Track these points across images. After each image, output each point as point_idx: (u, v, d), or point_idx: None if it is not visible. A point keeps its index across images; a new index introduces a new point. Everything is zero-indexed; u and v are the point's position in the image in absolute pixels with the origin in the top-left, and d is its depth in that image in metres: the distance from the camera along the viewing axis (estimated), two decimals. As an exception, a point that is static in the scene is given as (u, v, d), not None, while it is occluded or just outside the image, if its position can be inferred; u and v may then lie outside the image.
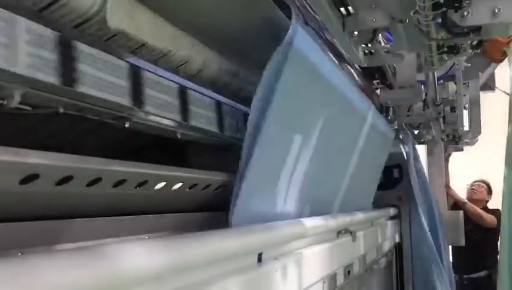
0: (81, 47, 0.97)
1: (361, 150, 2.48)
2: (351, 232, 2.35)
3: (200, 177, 1.37)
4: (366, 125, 2.46)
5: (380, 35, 2.06)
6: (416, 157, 3.71)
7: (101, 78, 1.00)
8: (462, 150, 4.78)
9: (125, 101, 1.09)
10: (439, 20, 1.36)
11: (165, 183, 1.25)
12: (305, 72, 1.55)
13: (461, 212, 4.44)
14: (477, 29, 1.36)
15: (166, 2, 1.19)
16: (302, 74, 1.52)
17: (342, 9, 1.78)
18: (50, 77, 0.89)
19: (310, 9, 1.62)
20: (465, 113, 4.02)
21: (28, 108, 0.90)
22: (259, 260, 1.46)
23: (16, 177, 0.85)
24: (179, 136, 1.35)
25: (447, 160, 4.72)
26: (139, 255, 0.91)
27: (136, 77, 1.13)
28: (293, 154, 1.69)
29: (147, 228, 1.25)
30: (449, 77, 3.24)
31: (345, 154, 2.33)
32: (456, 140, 3.94)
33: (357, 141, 2.41)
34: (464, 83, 3.36)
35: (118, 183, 1.09)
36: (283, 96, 1.41)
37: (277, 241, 1.62)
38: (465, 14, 1.29)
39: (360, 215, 2.79)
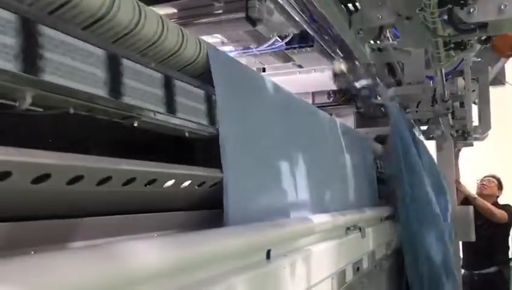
0: (89, 48, 0.99)
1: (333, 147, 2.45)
2: (360, 229, 2.36)
3: (208, 175, 1.38)
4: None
5: (388, 31, 2.06)
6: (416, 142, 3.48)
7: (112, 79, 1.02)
8: (472, 145, 4.74)
9: (137, 101, 1.11)
10: (446, 17, 1.36)
11: (174, 181, 1.26)
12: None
13: (471, 208, 4.42)
14: (483, 25, 1.36)
15: None
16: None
17: (350, 5, 1.79)
18: (60, 79, 0.91)
19: (316, 6, 1.63)
20: (475, 108, 4.00)
21: (39, 109, 0.92)
22: (268, 256, 1.47)
23: (28, 177, 0.87)
24: (187, 134, 1.37)
25: (456, 155, 4.70)
26: (149, 252, 0.93)
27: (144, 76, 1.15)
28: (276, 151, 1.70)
29: (157, 226, 1.27)
30: (458, 72, 3.23)
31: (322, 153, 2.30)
32: (465, 135, 3.92)
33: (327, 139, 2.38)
34: (473, 78, 3.34)
35: (128, 182, 1.11)
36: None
37: (285, 238, 1.63)
38: (471, 10, 1.29)
39: (368, 212, 2.80)
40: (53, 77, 0.90)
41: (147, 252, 0.92)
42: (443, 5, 1.27)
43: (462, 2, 1.26)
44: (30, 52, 0.85)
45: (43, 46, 0.88)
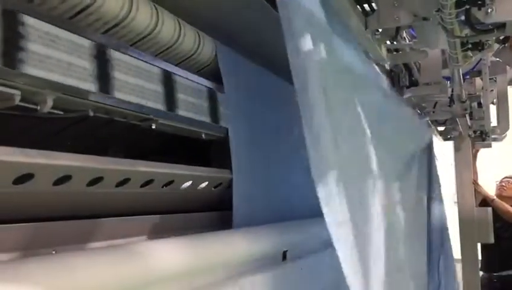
0: (112, 53, 1.01)
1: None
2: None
3: (225, 176, 1.40)
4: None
5: (404, 32, 2.05)
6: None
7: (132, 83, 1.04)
8: (490, 146, 4.67)
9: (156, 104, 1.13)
10: (463, 18, 1.35)
11: (191, 182, 1.28)
12: None
13: (490, 209, 4.36)
14: (501, 25, 1.35)
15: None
16: None
17: (366, 6, 1.78)
18: (82, 83, 0.93)
19: (332, 7, 1.63)
20: (493, 108, 3.94)
21: (60, 112, 0.94)
22: (284, 257, 1.48)
23: (50, 179, 0.89)
24: (203, 136, 1.38)
25: (474, 156, 4.63)
26: (167, 253, 0.95)
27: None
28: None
29: (175, 226, 1.28)
30: (476, 72, 3.19)
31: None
32: (483, 136, 3.87)
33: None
34: (491, 78, 3.29)
35: (146, 184, 1.12)
36: None
37: (302, 239, 1.63)
38: (489, 11, 1.28)
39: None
40: (74, 80, 0.92)
41: (166, 252, 0.93)
42: (460, 6, 1.26)
43: (479, 2, 1.25)
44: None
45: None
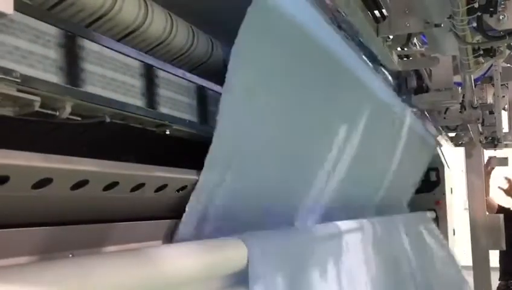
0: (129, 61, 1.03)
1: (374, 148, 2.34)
2: (386, 236, 2.34)
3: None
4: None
5: (415, 38, 2.05)
6: None
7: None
8: (506, 164, 4.48)
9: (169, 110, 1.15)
10: (474, 24, 1.36)
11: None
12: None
13: (501, 216, 4.32)
14: (513, 32, 1.35)
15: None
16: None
17: (376, 12, 1.79)
18: (98, 89, 0.96)
19: (343, 14, 1.64)
20: (505, 114, 3.92)
21: (78, 118, 0.96)
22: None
23: (68, 183, 0.90)
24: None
25: (488, 173, 4.49)
26: (181, 257, 0.96)
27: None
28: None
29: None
30: (487, 78, 3.18)
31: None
32: (495, 142, 3.85)
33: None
34: (502, 84, 3.28)
35: (160, 189, 1.14)
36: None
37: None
38: (501, 17, 1.29)
39: (396, 219, 2.78)
40: (91, 87, 0.94)
41: (183, 256, 0.95)
42: (472, 13, 1.27)
43: (491, 9, 1.26)
44: (71, 65, 0.89)
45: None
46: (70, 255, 0.94)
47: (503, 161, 4.40)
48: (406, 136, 2.71)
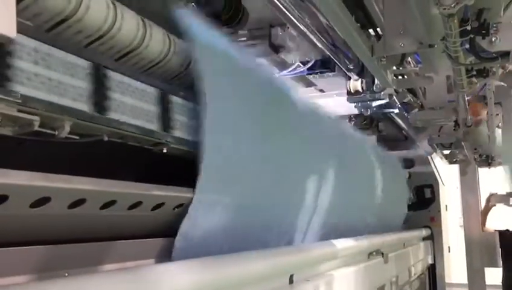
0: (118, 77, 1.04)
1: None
2: (382, 254, 2.35)
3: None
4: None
5: (410, 57, 2.09)
6: None
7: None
8: (508, 202, 4.38)
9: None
10: (468, 46, 1.38)
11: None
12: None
13: (496, 233, 4.31)
14: (506, 54, 1.38)
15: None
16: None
17: (371, 30, 1.82)
18: (94, 108, 0.97)
19: (338, 33, 1.66)
20: (499, 132, 3.95)
21: (76, 137, 0.97)
22: (291, 281, 1.49)
23: (66, 202, 0.91)
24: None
25: (488, 210, 4.41)
26: (178, 275, 0.96)
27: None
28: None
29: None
30: (481, 96, 3.21)
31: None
32: (489, 161, 3.88)
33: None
34: (496, 103, 3.32)
35: (157, 207, 1.15)
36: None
37: (308, 262, 1.64)
38: (493, 39, 1.31)
39: (391, 237, 2.78)
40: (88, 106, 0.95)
41: (176, 274, 0.95)
42: (465, 35, 1.30)
43: (483, 32, 1.28)
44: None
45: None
46: (66, 274, 0.94)
47: (505, 199, 4.34)
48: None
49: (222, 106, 1.25)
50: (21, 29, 0.80)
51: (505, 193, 4.36)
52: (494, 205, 4.44)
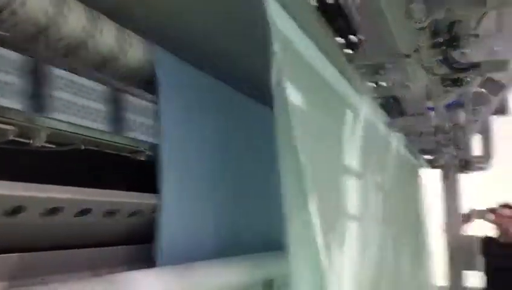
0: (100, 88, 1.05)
1: None
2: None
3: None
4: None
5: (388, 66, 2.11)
6: None
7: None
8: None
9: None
10: (441, 58, 1.42)
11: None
12: None
13: (476, 237, 4.34)
14: (477, 65, 1.42)
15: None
16: None
17: (352, 36, 1.84)
18: (72, 118, 0.98)
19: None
20: (478, 138, 4.01)
21: (52, 146, 0.98)
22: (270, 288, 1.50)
23: (40, 210, 0.92)
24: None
25: (466, 223, 4.40)
26: (152, 283, 0.98)
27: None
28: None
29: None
30: (460, 103, 3.26)
31: None
32: (467, 166, 3.94)
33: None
34: (474, 109, 3.37)
35: (133, 214, 1.16)
36: None
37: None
38: (465, 51, 1.35)
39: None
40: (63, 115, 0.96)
41: (151, 282, 0.96)
42: (437, 46, 1.33)
43: (455, 44, 1.32)
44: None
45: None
46: (41, 279, 0.95)
47: (482, 214, 4.32)
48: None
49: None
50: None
51: (485, 209, 4.34)
52: (474, 221, 4.40)
